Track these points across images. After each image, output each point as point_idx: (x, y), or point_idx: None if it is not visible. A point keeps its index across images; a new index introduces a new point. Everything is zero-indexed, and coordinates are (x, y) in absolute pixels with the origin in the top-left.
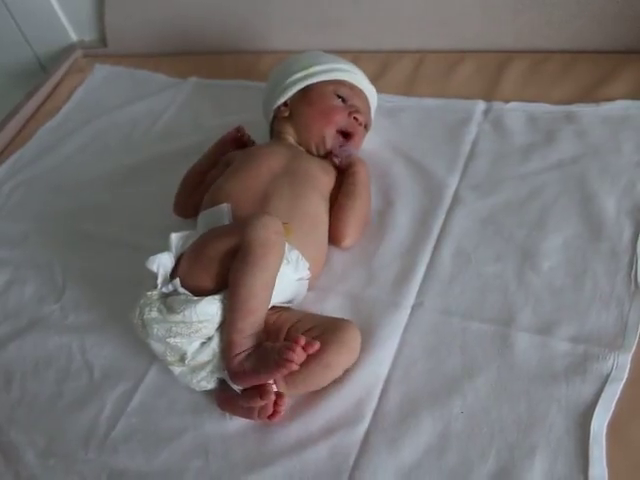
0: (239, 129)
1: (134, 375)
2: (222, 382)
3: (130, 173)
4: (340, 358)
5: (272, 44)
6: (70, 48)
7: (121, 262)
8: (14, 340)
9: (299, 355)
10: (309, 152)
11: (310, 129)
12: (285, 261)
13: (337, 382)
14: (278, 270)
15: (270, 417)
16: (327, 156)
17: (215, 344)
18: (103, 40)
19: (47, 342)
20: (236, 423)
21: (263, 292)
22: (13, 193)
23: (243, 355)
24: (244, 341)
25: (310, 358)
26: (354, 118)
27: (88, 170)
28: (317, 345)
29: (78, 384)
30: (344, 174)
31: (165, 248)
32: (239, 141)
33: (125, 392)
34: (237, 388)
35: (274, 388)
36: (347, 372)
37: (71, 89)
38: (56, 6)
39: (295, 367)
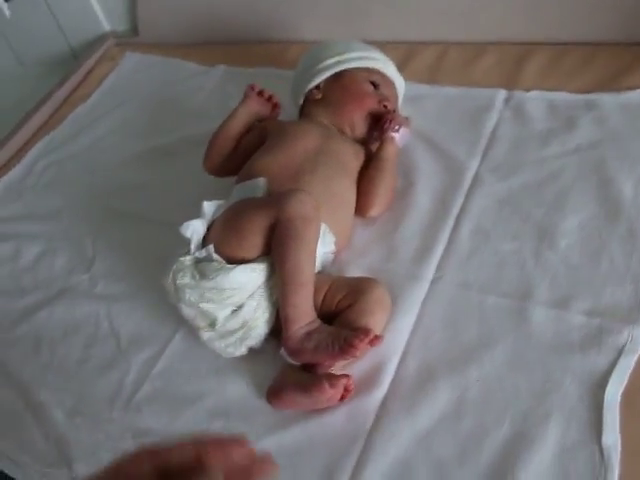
0: (263, 93)
1: (159, 342)
2: (275, 378)
3: (160, 153)
4: (377, 317)
5: (300, 34)
6: (103, 38)
7: (151, 237)
8: (44, 308)
9: (366, 345)
10: (342, 133)
11: (342, 112)
12: None
13: None
14: (317, 243)
15: (341, 399)
16: (362, 140)
17: (245, 312)
18: (135, 30)
19: (75, 310)
20: (256, 388)
21: (308, 265)
22: (46, 171)
23: (302, 333)
24: (300, 317)
25: (350, 325)
26: (384, 106)
27: (119, 151)
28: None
29: (105, 349)
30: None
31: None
32: (268, 104)
33: (150, 358)
34: (292, 361)
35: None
36: None
37: (102, 76)
38: None
39: (358, 356)
